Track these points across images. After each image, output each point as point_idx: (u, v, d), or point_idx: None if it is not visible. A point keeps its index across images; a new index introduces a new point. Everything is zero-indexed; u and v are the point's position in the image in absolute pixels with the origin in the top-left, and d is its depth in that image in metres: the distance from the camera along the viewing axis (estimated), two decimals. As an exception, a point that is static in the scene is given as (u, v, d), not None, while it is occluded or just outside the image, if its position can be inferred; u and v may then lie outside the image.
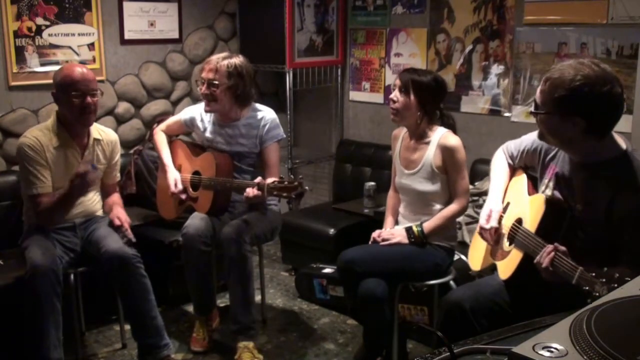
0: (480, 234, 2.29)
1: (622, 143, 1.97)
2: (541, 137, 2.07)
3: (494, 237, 2.24)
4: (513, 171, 2.37)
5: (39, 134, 2.92)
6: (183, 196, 3.18)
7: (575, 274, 1.76)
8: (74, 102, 2.85)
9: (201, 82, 3.13)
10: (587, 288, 1.67)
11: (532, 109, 2.04)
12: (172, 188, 3.16)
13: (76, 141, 2.98)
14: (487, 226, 2.24)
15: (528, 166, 2.31)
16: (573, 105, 1.87)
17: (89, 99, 2.86)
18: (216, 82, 3.06)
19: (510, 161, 2.37)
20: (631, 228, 1.86)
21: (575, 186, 2.03)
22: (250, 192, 2.88)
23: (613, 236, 1.90)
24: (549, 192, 2.13)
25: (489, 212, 2.26)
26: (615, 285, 1.60)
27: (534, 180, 2.26)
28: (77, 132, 2.97)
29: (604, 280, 1.63)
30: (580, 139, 1.93)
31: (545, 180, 2.15)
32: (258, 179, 2.90)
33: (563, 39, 3.48)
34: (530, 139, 2.26)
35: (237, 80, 3.08)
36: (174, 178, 3.19)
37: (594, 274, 1.67)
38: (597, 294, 1.62)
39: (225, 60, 3.10)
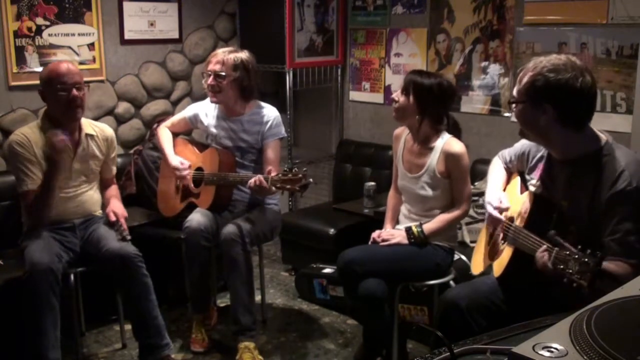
0: (492, 216, 2.22)
1: (604, 137, 1.98)
2: (521, 133, 2.10)
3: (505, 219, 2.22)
4: (510, 175, 2.40)
5: (28, 131, 2.93)
6: (188, 174, 3.17)
7: (551, 255, 1.80)
8: (60, 96, 2.85)
9: (207, 74, 3.16)
10: (562, 267, 1.71)
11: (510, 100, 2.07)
12: (179, 166, 3.17)
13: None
14: (504, 206, 2.20)
15: (521, 171, 2.33)
16: (540, 91, 1.92)
17: (74, 92, 2.86)
18: (222, 74, 3.12)
19: (505, 166, 2.41)
20: (607, 218, 1.88)
21: (559, 184, 2.06)
22: (253, 181, 2.88)
23: (598, 229, 1.92)
24: (536, 189, 2.15)
25: (499, 198, 2.23)
26: (586, 259, 1.63)
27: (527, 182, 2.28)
28: (67, 129, 2.94)
29: (576, 256, 1.66)
30: (554, 130, 1.95)
31: (533, 181, 2.18)
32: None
33: (563, 39, 3.48)
34: (521, 143, 2.30)
35: (242, 73, 3.15)
36: (178, 160, 3.20)
37: (567, 252, 1.71)
38: (571, 271, 1.66)
39: (231, 53, 3.16)
